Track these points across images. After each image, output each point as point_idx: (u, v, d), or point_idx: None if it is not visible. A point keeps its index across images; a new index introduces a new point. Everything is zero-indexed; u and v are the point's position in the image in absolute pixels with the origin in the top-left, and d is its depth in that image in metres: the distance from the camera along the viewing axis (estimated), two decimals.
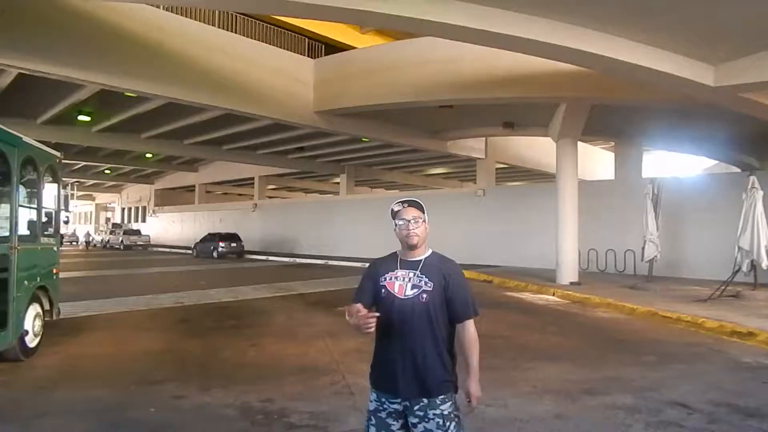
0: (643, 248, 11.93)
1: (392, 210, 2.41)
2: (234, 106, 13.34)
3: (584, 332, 7.87)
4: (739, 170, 20.02)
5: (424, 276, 2.33)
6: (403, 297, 2.31)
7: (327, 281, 14.62)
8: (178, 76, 11.81)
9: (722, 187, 14.03)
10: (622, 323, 8.55)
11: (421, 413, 2.26)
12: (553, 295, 11.65)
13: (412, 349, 2.26)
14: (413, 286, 2.32)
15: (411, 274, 2.34)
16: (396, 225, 2.39)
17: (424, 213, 2.39)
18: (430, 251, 2.43)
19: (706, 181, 16.64)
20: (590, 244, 14.91)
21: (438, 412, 2.26)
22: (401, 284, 2.33)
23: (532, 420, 4.19)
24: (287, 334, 7.59)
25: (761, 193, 9.95)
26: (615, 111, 13.94)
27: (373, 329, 2.17)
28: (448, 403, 2.30)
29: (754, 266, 10.01)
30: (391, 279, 2.35)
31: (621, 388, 4.98)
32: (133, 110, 16.55)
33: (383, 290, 2.34)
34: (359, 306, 2.23)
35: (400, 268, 2.36)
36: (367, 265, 2.50)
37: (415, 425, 2.27)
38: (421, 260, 2.38)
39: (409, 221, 2.34)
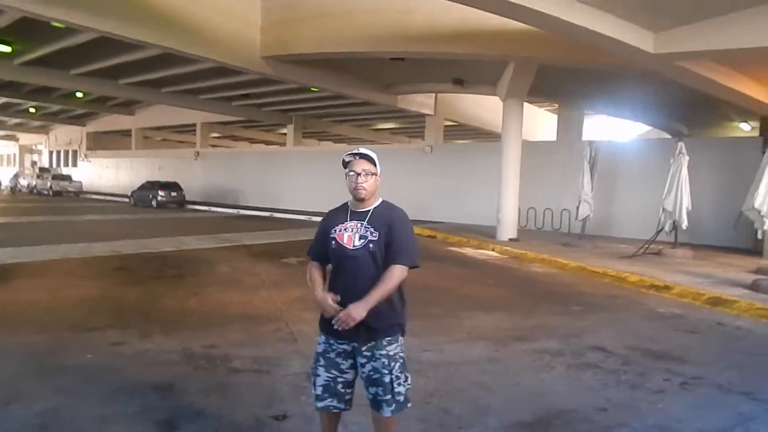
0: (577, 208, 12.54)
1: (343, 160, 2.43)
2: (173, 45, 12.53)
3: (519, 285, 8.33)
4: (669, 137, 21.17)
5: (370, 226, 2.38)
6: (351, 248, 2.37)
7: (271, 233, 14.50)
8: (112, 8, 10.91)
9: (653, 152, 14.84)
10: (554, 277, 9.10)
11: (369, 353, 2.37)
12: (493, 250, 12.14)
13: (361, 296, 2.29)
14: (360, 237, 2.37)
15: (359, 225, 2.39)
16: (347, 176, 2.41)
17: (376, 166, 2.41)
18: (380, 200, 2.48)
19: (639, 146, 17.55)
20: (530, 202, 15.50)
21: (384, 352, 2.37)
22: (350, 235, 2.39)
23: (465, 363, 4.46)
24: (231, 284, 7.55)
25: (687, 158, 10.60)
26: (560, 73, 14.23)
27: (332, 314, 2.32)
28: (394, 345, 2.41)
29: (675, 227, 10.77)
30: (340, 231, 2.42)
31: (548, 335, 5.37)
32: (61, 42, 15.19)
33: (333, 242, 2.40)
34: (330, 298, 2.34)
35: (350, 220, 2.42)
36: (319, 218, 2.55)
37: (363, 365, 2.39)
38: (369, 210, 2.43)
39: (358, 174, 2.37)
